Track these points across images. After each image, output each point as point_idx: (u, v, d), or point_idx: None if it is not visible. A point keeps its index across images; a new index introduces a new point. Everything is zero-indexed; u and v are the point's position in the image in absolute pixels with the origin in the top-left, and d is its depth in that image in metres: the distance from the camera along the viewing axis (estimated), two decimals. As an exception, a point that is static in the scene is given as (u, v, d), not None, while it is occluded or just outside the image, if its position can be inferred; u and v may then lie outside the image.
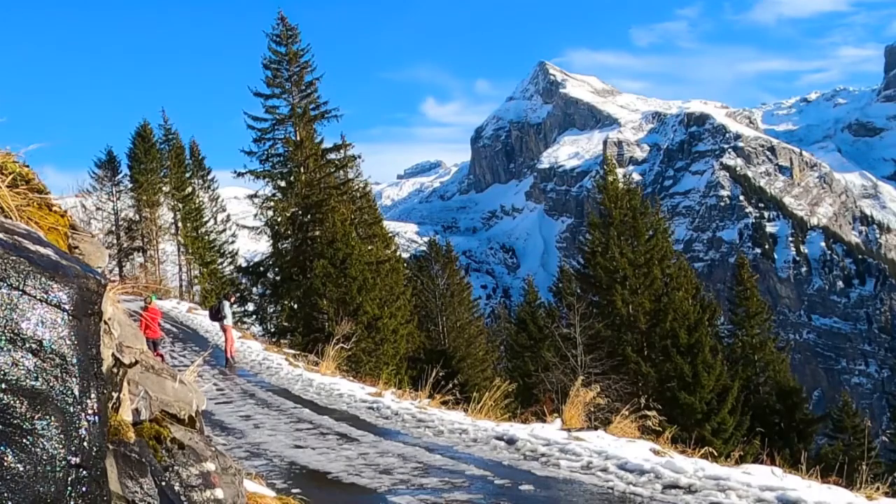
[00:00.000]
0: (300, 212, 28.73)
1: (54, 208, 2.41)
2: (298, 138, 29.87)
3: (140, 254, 44.94)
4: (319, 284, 25.73)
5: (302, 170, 29.90)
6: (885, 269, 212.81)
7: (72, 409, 1.56)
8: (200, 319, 26.95)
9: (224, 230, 48.20)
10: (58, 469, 1.50)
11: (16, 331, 1.52)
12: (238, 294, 27.93)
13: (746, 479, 5.85)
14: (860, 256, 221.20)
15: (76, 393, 1.58)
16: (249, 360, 18.00)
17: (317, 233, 28.07)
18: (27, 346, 1.53)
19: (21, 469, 1.44)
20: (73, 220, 2.46)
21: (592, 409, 10.52)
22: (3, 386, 1.46)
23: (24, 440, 1.46)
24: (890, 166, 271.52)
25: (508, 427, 8.70)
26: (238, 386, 14.27)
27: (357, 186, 33.91)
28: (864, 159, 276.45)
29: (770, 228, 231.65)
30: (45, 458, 1.48)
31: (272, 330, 29.36)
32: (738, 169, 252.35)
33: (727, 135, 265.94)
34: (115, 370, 2.16)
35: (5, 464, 1.42)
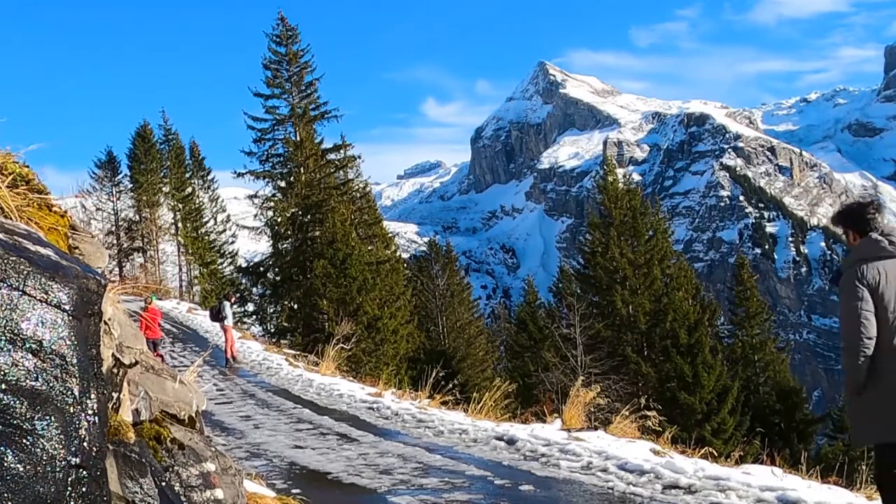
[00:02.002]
0: (300, 212, 28.70)
1: (54, 209, 2.41)
2: (298, 138, 29.84)
3: (140, 254, 44.94)
4: (319, 285, 25.72)
5: (302, 170, 29.88)
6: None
7: (72, 410, 1.56)
8: (200, 320, 26.97)
9: (224, 230, 48.20)
10: (58, 469, 1.50)
11: (16, 331, 1.52)
12: (238, 294, 27.90)
13: (746, 480, 5.85)
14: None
15: (76, 393, 1.58)
16: (249, 361, 18.00)
17: (317, 233, 28.04)
18: (27, 346, 1.53)
19: (21, 469, 1.44)
20: (73, 221, 2.46)
21: (592, 410, 10.51)
22: (3, 386, 1.46)
23: (24, 440, 1.46)
24: (890, 166, 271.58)
25: (508, 427, 8.69)
26: (238, 386, 14.27)
27: (357, 187, 33.90)
28: (864, 159, 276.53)
29: (770, 229, 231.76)
30: (45, 458, 1.48)
31: (272, 330, 29.33)
32: (738, 169, 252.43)
33: (727, 135, 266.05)
34: (115, 370, 2.16)
35: (5, 464, 1.42)
